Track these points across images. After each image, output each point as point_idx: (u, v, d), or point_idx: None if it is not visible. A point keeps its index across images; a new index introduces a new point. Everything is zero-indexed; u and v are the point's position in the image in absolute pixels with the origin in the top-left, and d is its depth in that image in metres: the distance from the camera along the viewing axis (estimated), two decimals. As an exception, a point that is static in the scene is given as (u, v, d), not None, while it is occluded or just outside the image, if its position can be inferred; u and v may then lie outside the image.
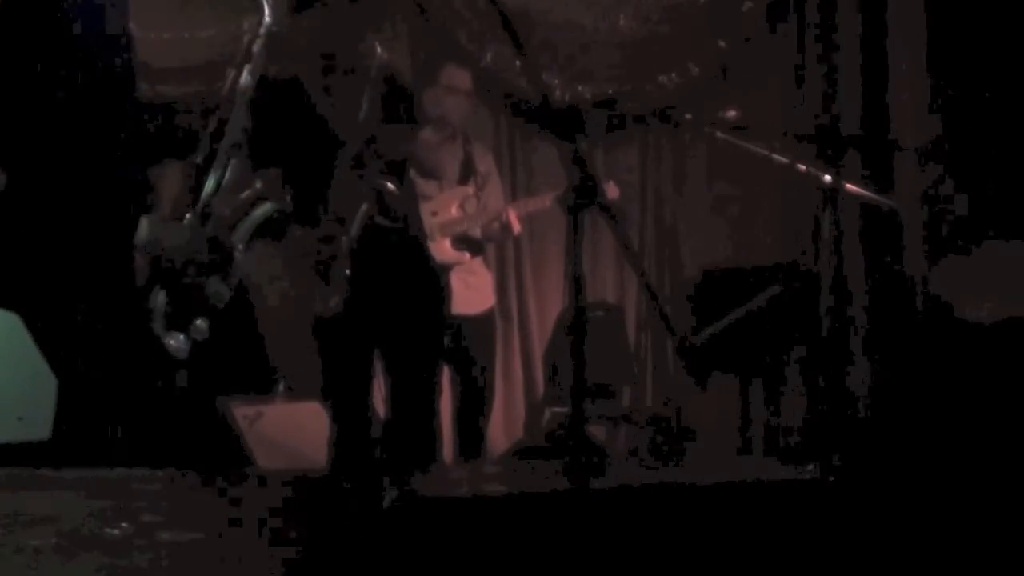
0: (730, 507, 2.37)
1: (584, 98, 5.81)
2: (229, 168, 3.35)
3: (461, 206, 5.05)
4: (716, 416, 5.33)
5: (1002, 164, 5.03)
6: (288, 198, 3.40)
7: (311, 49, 3.62)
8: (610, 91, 5.83)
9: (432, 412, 3.82)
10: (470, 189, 5.07)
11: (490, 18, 5.25)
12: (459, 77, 5.05)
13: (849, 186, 4.36)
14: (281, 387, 4.93)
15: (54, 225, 3.35)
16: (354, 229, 3.49)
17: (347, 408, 3.68)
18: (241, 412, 4.66)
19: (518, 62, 5.15)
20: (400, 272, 3.62)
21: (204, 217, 3.33)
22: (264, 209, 3.39)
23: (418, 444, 3.72)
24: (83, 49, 3.23)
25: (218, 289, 3.29)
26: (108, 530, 2.33)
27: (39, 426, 3.53)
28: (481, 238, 5.14)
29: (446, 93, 4.99)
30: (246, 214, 3.38)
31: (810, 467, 3.35)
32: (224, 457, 4.47)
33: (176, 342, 3.27)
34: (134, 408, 3.38)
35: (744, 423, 4.99)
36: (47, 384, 3.36)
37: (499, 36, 5.54)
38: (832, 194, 4.23)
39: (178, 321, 3.28)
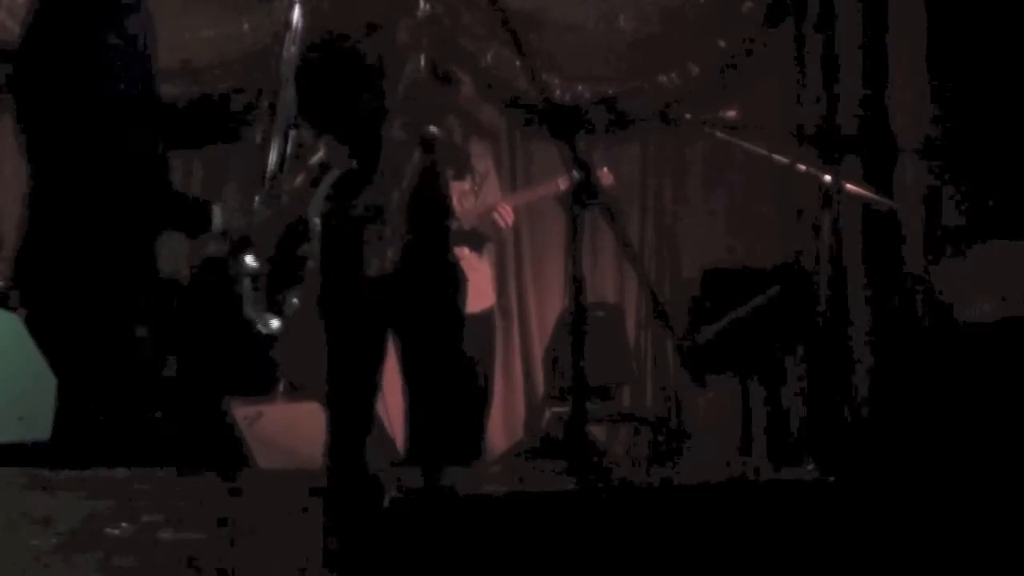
0: (730, 507, 2.37)
1: (584, 98, 5.81)
2: (289, 141, 3.35)
3: (459, 203, 5.04)
4: (716, 416, 5.34)
5: (1002, 164, 5.03)
6: (352, 161, 3.40)
7: (348, 16, 3.61)
8: (610, 91, 5.84)
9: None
10: (467, 186, 5.06)
11: (490, 18, 5.25)
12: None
13: (849, 186, 4.36)
14: (281, 387, 4.93)
15: (56, 224, 3.35)
16: (406, 182, 3.45)
17: (350, 395, 3.65)
18: (241, 412, 4.66)
19: (518, 62, 5.17)
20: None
21: (274, 194, 3.33)
22: (332, 176, 3.38)
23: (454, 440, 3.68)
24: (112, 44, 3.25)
25: (306, 262, 3.30)
26: (108, 530, 2.33)
27: (39, 426, 3.53)
28: (479, 233, 5.13)
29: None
30: (315, 183, 3.38)
31: (810, 467, 3.36)
32: (224, 457, 4.47)
33: (270, 323, 3.29)
34: (134, 408, 3.38)
35: (744, 423, 4.99)
36: (47, 384, 3.36)
37: (499, 36, 5.54)
38: (832, 194, 4.24)
39: (269, 301, 3.30)
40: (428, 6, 3.55)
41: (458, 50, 5.69)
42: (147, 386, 3.39)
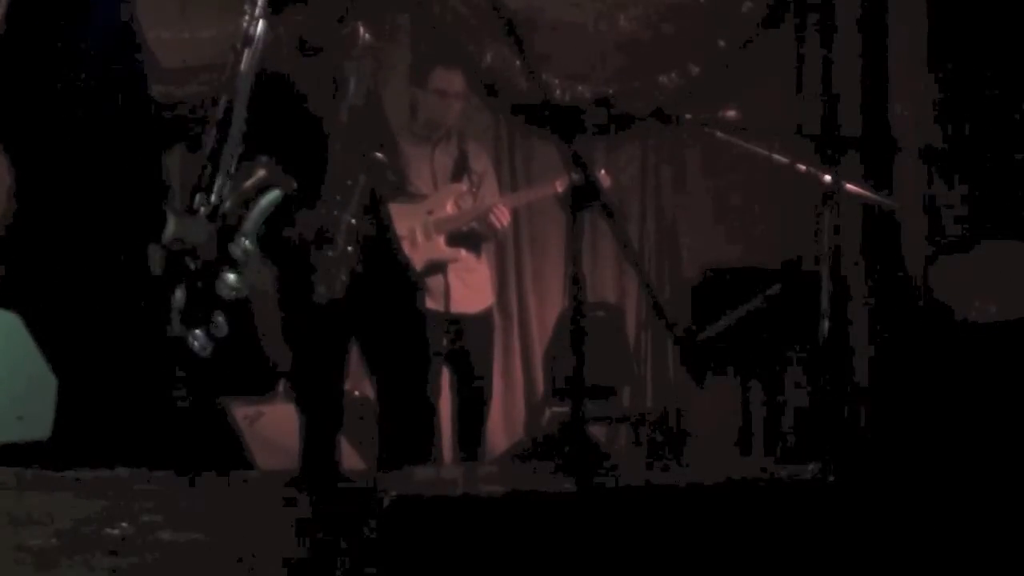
0: (730, 507, 2.37)
1: (584, 98, 5.81)
2: (236, 157, 3.33)
3: (456, 203, 5.03)
4: (716, 416, 5.34)
5: (1002, 164, 5.03)
6: (293, 182, 3.40)
7: (295, 39, 3.64)
8: (610, 91, 5.83)
9: (429, 408, 3.83)
10: (464, 186, 5.05)
11: (490, 18, 5.25)
12: (449, 80, 5.04)
13: (849, 186, 4.36)
14: (281, 387, 4.92)
15: (56, 224, 3.34)
16: (353, 207, 3.51)
17: (322, 399, 3.70)
18: (241, 412, 4.66)
19: (518, 62, 5.17)
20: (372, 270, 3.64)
21: (217, 209, 3.31)
22: (271, 197, 3.37)
23: (414, 442, 3.73)
24: (95, 44, 3.23)
25: (232, 282, 3.29)
26: (108, 530, 2.33)
27: (39, 426, 3.53)
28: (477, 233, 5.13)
29: (436, 97, 4.99)
30: (253, 203, 3.37)
31: (810, 467, 3.35)
32: (224, 457, 4.47)
33: (196, 339, 3.27)
34: (134, 408, 3.38)
35: (744, 423, 5.00)
36: (47, 384, 3.35)
37: (499, 36, 5.54)
38: (832, 194, 4.24)
39: (197, 318, 3.28)
40: (368, 36, 3.57)
41: (456, 50, 5.70)
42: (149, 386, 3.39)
